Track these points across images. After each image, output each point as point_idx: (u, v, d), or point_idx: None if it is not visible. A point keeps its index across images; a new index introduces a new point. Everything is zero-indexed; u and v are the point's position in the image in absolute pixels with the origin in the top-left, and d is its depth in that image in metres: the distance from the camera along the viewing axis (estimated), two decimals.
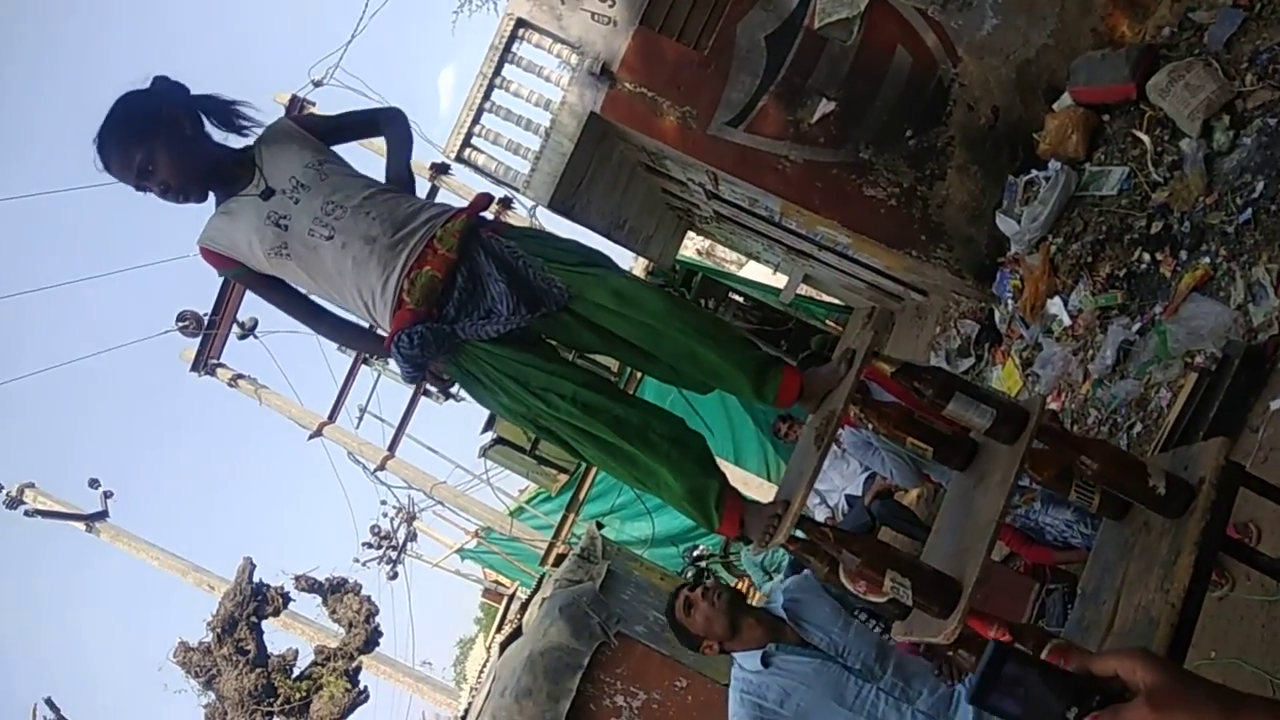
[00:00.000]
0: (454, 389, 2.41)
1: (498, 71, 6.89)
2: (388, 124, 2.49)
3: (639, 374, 8.67)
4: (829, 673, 2.43)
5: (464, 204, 2.34)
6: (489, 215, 2.36)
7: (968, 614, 1.70)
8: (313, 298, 2.43)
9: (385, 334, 2.22)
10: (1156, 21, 5.77)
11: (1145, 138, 5.26)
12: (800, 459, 2.13)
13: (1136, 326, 4.70)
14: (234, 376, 9.60)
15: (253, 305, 9.18)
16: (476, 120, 6.98)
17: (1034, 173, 5.88)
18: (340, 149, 2.45)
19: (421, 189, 8.59)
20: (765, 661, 2.44)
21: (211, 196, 2.31)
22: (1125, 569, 1.83)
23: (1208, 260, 4.45)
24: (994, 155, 6.32)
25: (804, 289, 12.81)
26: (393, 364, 2.30)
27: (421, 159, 8.46)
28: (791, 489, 2.03)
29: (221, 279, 8.41)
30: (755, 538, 2.03)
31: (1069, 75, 5.95)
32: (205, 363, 9.32)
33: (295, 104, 8.33)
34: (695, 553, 10.07)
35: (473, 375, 2.22)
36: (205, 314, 9.20)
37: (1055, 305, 5.33)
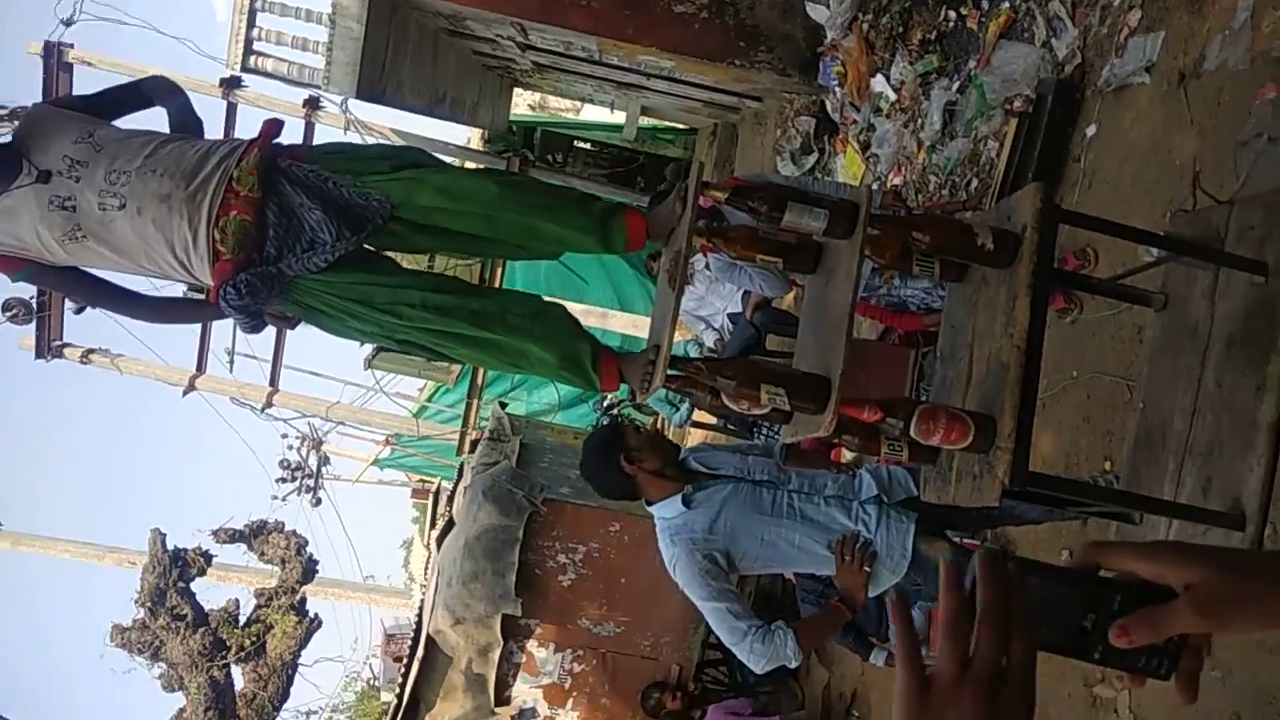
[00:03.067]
0: (297, 325, 2.35)
1: None
2: (155, 93, 2.37)
3: (501, 263, 8.53)
4: (743, 490, 2.58)
5: (251, 136, 2.20)
6: (284, 142, 2.23)
7: (840, 404, 1.80)
8: (119, 279, 2.29)
9: (209, 290, 2.12)
10: None
11: None
12: (661, 301, 2.17)
13: (956, 85, 4.84)
14: (85, 353, 9.06)
15: None
16: (252, 24, 6.45)
17: None
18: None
19: (218, 109, 7.89)
20: (686, 503, 2.56)
21: None
22: (974, 324, 1.96)
23: (1008, 5, 4.56)
24: None
25: (646, 119, 12.64)
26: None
27: (210, 77, 7.80)
28: (659, 332, 2.07)
29: None
30: (636, 386, 2.09)
31: None
32: (49, 347, 8.73)
33: (51, 51, 7.51)
34: (605, 403, 10.27)
35: (314, 309, 2.16)
36: (32, 297, 8.53)
37: (879, 83, 5.42)
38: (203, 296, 2.24)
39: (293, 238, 2.09)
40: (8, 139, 2.16)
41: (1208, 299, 1.95)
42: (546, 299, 2.22)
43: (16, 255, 2.16)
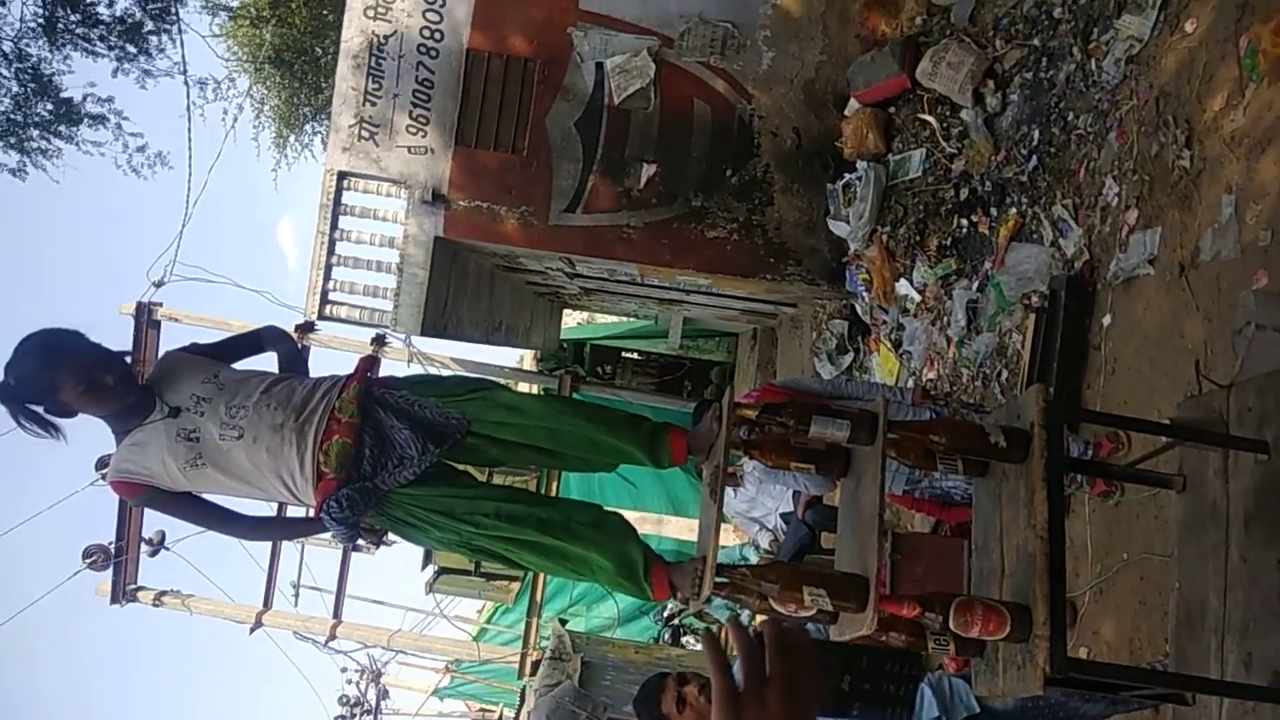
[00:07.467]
0: (387, 537, 2.61)
1: (334, 226, 7.05)
2: (269, 341, 2.76)
3: (558, 475, 8.81)
4: None
5: (350, 370, 2.53)
6: (375, 374, 2.55)
7: (880, 600, 1.91)
8: (228, 502, 2.57)
9: (311, 509, 2.37)
10: (908, 14, 6.36)
11: (930, 118, 5.77)
12: (705, 513, 2.34)
13: (975, 285, 5.13)
14: (157, 596, 9.28)
15: (156, 519, 8.93)
16: (327, 277, 7.10)
17: (847, 176, 6.35)
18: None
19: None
20: None
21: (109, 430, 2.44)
22: (1000, 517, 2.08)
23: (1015, 210, 4.91)
24: (808, 170, 6.80)
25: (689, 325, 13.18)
26: (327, 533, 2.45)
27: (287, 323, 8.47)
28: (705, 543, 2.22)
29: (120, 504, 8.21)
30: (687, 594, 2.22)
31: (849, 82, 6.48)
32: (124, 592, 8.99)
33: (142, 310, 8.26)
34: (666, 614, 10.13)
35: (402, 520, 2.41)
36: (110, 543, 8.90)
37: (903, 286, 5.75)
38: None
39: (385, 456, 2.36)
40: (145, 383, 2.50)
41: (1221, 478, 2.06)
42: (606, 509, 2.42)
43: (140, 481, 2.45)
